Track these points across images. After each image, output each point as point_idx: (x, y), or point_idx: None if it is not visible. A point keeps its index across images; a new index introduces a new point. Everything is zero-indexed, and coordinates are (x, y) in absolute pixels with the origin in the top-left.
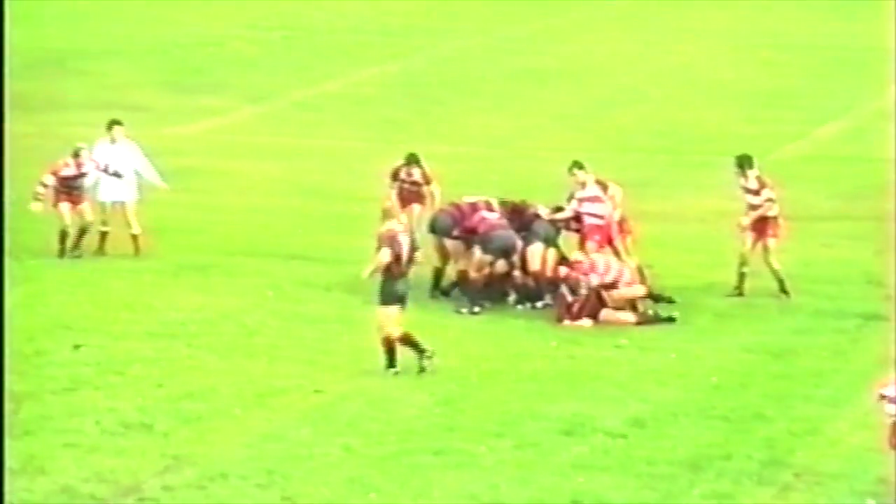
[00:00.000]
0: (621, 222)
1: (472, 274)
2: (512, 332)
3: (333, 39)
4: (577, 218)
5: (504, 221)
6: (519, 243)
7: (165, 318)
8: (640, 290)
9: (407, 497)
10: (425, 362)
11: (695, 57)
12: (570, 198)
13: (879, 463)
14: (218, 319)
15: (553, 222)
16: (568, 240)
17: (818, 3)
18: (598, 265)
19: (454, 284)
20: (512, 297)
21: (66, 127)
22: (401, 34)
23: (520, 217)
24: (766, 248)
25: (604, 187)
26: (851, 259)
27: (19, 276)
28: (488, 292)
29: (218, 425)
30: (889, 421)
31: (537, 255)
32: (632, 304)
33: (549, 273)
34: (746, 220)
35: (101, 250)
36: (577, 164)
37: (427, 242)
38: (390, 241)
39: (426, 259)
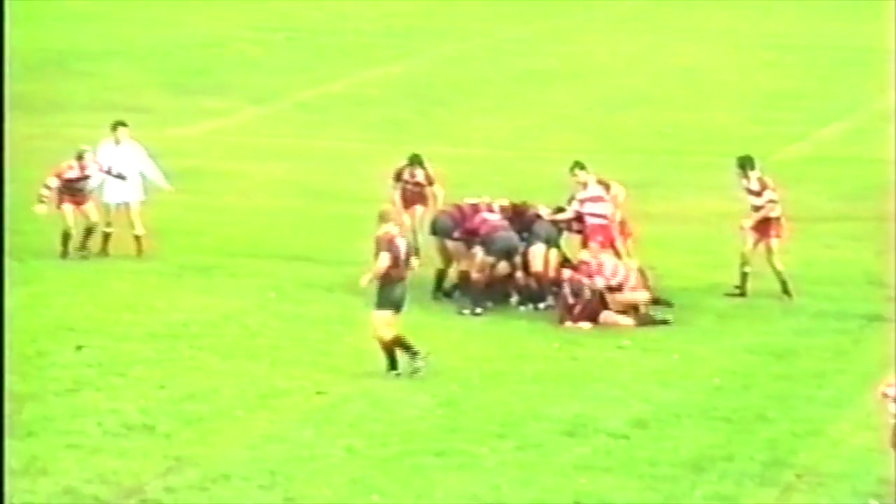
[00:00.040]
0: (622, 224)
1: (474, 275)
2: (514, 333)
3: (336, 40)
4: (579, 219)
5: (506, 223)
6: (521, 245)
7: (167, 320)
8: (643, 296)
9: (409, 498)
10: (418, 363)
11: (697, 58)
12: (571, 199)
13: (882, 463)
14: (220, 321)
15: (554, 223)
16: (570, 241)
17: (820, 5)
18: (606, 267)
19: (456, 286)
20: (514, 299)
21: (69, 128)
22: (403, 35)
23: (521, 218)
24: (769, 249)
25: (606, 187)
26: (853, 260)
27: (22, 277)
28: (490, 293)
29: (220, 426)
30: (891, 420)
31: (539, 256)
32: (634, 308)
33: (551, 274)
34: (749, 222)
35: (104, 251)
36: (579, 165)
37: (429, 244)
38: (388, 244)
39: (428, 260)
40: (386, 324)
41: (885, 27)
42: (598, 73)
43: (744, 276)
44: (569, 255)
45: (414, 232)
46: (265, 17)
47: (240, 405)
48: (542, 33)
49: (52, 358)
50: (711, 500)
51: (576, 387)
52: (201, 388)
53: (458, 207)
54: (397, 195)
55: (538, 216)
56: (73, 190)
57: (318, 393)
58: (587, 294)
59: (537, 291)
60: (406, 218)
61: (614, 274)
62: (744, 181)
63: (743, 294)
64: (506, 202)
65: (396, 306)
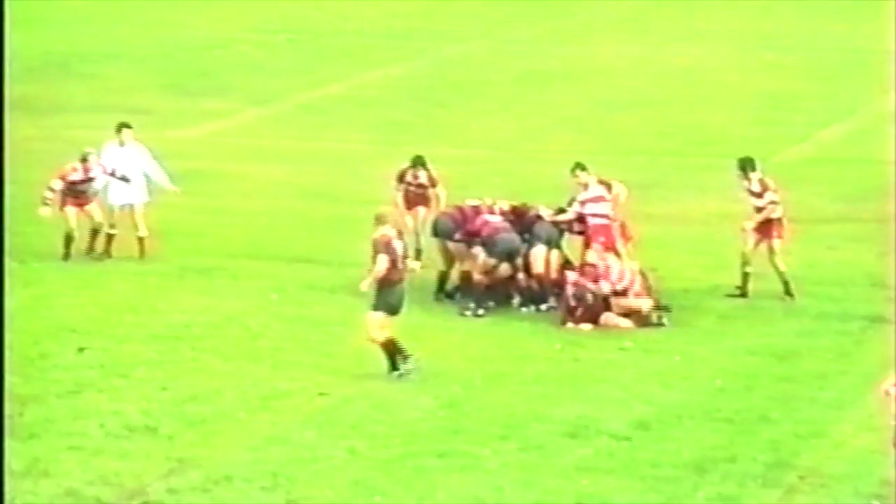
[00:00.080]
0: (622, 227)
1: (476, 276)
2: (516, 334)
3: (338, 42)
4: (580, 220)
5: (507, 224)
6: (522, 246)
7: (169, 321)
8: (646, 304)
9: (411, 499)
10: (408, 366)
11: (699, 59)
12: (571, 201)
13: (884, 465)
14: (222, 322)
15: (555, 224)
16: (571, 242)
17: (821, 6)
18: (613, 271)
19: (458, 287)
20: (516, 300)
21: (70, 130)
22: (405, 37)
23: (521, 219)
24: (771, 250)
25: (608, 187)
26: (855, 261)
27: (23, 278)
28: (492, 295)
29: (222, 428)
30: (894, 421)
31: (540, 258)
32: (635, 313)
33: (552, 275)
34: (751, 224)
35: (106, 253)
36: (580, 166)
37: (431, 246)
38: (386, 247)
39: (430, 262)
40: (379, 325)
41: (886, 28)
42: (600, 74)
43: (745, 276)
44: (570, 257)
45: (416, 234)
46: (266, 19)
47: (242, 407)
48: (544, 35)
49: (53, 360)
50: (714, 501)
51: (578, 388)
52: (203, 390)
53: (460, 209)
54: (400, 197)
55: (539, 217)
56: (76, 192)
57: (321, 394)
58: (590, 299)
59: (539, 293)
60: (408, 219)
61: (620, 278)
62: (745, 183)
63: (744, 295)
64: (506, 205)
65: (392, 309)
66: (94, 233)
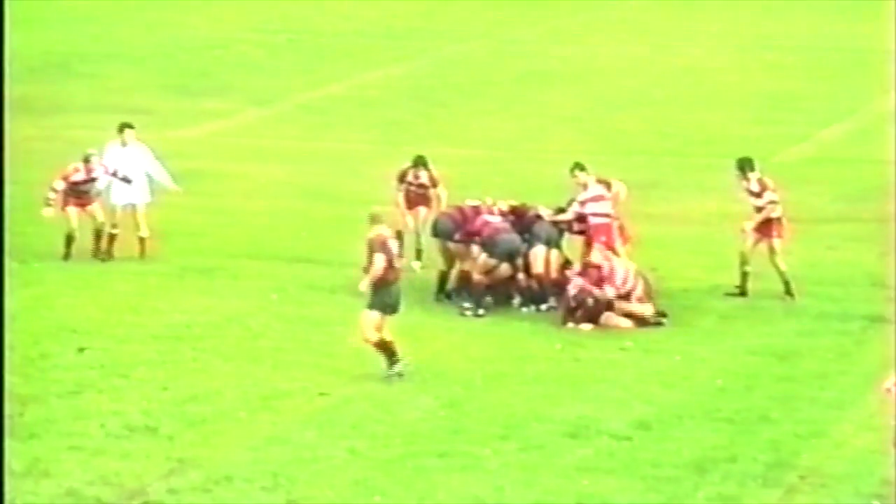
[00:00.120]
0: (620, 228)
1: (476, 276)
2: (516, 334)
3: (338, 42)
4: (580, 220)
5: (507, 225)
6: (523, 246)
7: (170, 321)
8: (648, 310)
9: (412, 499)
10: (396, 369)
11: (699, 59)
12: (571, 202)
13: (884, 465)
14: (222, 322)
15: (555, 224)
16: (572, 242)
17: (822, 6)
18: (617, 275)
19: (458, 287)
20: (516, 300)
21: (70, 130)
22: (405, 37)
23: (521, 219)
24: (771, 250)
25: (607, 185)
26: (856, 261)
27: (24, 279)
28: (492, 295)
29: (223, 428)
30: (894, 420)
31: (540, 258)
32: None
33: (552, 275)
34: (751, 224)
35: (109, 253)
36: (579, 166)
37: (431, 246)
38: (382, 246)
39: (431, 262)
40: (373, 325)
41: (886, 28)
42: (600, 74)
43: (744, 275)
44: (570, 257)
45: (417, 234)
46: (267, 19)
47: (242, 407)
48: (544, 35)
49: (54, 360)
50: (714, 501)
51: (578, 388)
52: (204, 390)
53: (460, 209)
54: (401, 196)
55: (538, 217)
56: (78, 192)
57: (321, 394)
58: (590, 303)
59: (539, 293)
60: (409, 219)
61: (624, 283)
62: (743, 183)
63: (744, 294)
64: (505, 205)
65: (388, 308)
66: (98, 234)
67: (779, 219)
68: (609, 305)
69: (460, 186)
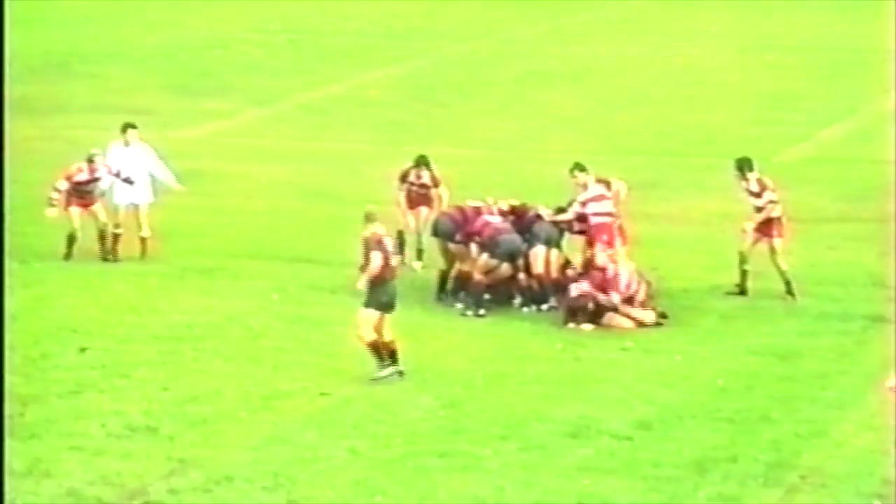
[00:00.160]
0: (619, 229)
1: (476, 276)
2: (517, 334)
3: (338, 42)
4: (581, 219)
5: (508, 225)
6: (523, 246)
7: (171, 322)
8: (650, 317)
9: (412, 499)
10: (385, 372)
11: (699, 59)
12: (571, 202)
13: (885, 464)
14: (223, 322)
15: (555, 224)
16: (572, 242)
17: (822, 6)
18: (622, 279)
19: (459, 288)
20: (517, 300)
21: (71, 130)
22: (405, 37)
23: (521, 219)
24: (772, 249)
25: (606, 184)
26: (856, 261)
27: (24, 279)
28: (493, 295)
29: (223, 428)
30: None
31: (540, 258)
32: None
33: (553, 275)
34: (752, 224)
35: (113, 253)
36: (579, 166)
37: (432, 246)
38: (378, 244)
39: (431, 262)
40: (370, 323)
41: (886, 28)
42: (600, 74)
43: (743, 274)
44: (570, 257)
45: (419, 234)
46: (267, 19)
47: (243, 407)
48: (544, 35)
49: (55, 360)
50: (715, 501)
51: (579, 388)
52: (204, 390)
53: (460, 209)
54: (402, 196)
55: (539, 217)
56: (81, 192)
57: (322, 395)
58: (591, 307)
59: (540, 293)
60: (411, 219)
61: (628, 287)
62: (743, 183)
63: (743, 292)
64: (505, 205)
65: (385, 306)
66: (102, 236)
67: (779, 218)
68: (612, 308)
69: (460, 186)
